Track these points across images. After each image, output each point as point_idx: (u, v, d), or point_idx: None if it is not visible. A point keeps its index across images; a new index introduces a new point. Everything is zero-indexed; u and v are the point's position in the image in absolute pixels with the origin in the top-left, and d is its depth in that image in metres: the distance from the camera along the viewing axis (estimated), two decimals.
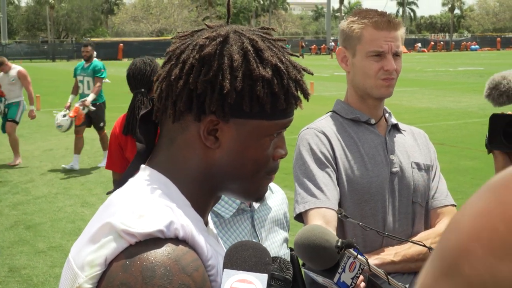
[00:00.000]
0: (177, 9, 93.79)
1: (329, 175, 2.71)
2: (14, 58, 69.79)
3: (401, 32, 2.80)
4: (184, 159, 1.48)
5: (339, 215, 2.06)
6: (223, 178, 1.49)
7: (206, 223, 1.56)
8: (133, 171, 1.53)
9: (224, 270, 1.37)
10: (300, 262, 2.00)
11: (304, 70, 1.53)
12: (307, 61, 64.60)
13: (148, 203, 1.38)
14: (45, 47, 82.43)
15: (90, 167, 12.50)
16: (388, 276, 1.81)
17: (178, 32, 1.56)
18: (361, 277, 1.92)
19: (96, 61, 12.99)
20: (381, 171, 2.77)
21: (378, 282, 1.97)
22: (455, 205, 2.91)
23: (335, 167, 2.75)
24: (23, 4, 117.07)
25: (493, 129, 2.73)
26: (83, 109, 12.20)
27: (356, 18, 2.80)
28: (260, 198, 1.57)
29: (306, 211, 2.65)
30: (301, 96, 1.53)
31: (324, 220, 2.59)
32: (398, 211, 2.78)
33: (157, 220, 1.33)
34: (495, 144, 2.72)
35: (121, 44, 73.79)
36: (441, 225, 2.80)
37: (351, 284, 1.87)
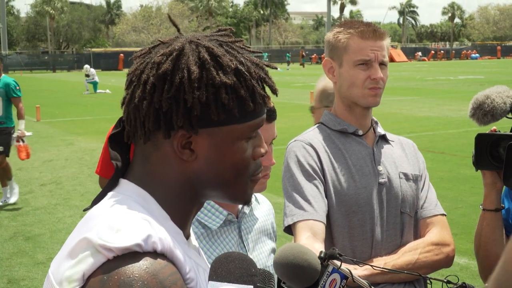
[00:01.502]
0: (177, 19, 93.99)
1: (317, 187, 2.71)
2: (14, 69, 70.16)
3: (387, 42, 2.80)
4: (160, 174, 1.46)
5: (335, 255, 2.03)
6: (205, 187, 1.48)
7: (188, 236, 1.54)
8: (111, 187, 1.51)
9: (209, 282, 1.35)
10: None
11: (268, 66, 1.51)
12: (308, 70, 64.73)
13: (126, 217, 1.36)
14: (46, 57, 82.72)
15: (90, 177, 12.48)
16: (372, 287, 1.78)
17: (135, 52, 1.54)
18: None
19: (5, 77, 10.50)
20: (369, 182, 2.76)
21: None
22: (445, 215, 2.89)
23: (322, 179, 2.74)
24: (23, 14, 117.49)
25: (479, 149, 2.70)
26: (23, 141, 10.61)
27: (342, 28, 2.80)
28: (247, 201, 1.54)
29: (294, 224, 2.65)
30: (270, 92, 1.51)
31: (311, 232, 2.59)
32: (386, 221, 2.77)
33: (135, 234, 1.31)
34: (482, 165, 2.70)
35: (122, 55, 73.97)
36: (430, 235, 2.78)
37: None
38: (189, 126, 1.39)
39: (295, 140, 2.85)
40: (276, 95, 1.53)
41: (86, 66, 39.03)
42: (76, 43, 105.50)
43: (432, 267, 2.71)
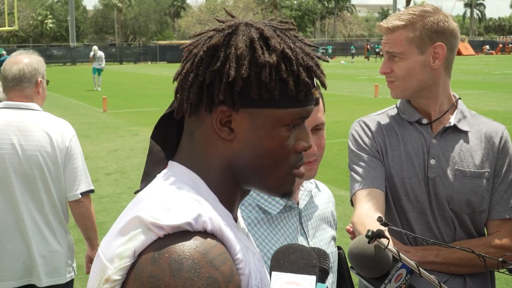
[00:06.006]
0: (242, 12, 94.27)
1: (375, 158, 2.75)
2: (82, 61, 71.28)
3: (401, 34, 2.67)
4: (204, 154, 1.47)
5: (380, 223, 2.02)
6: (244, 171, 1.47)
7: (236, 219, 1.54)
8: (153, 169, 1.53)
9: (272, 272, 1.36)
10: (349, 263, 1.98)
11: (319, 58, 1.49)
12: (372, 63, 64.16)
13: (176, 196, 1.38)
14: (113, 50, 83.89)
15: None
16: (420, 268, 1.77)
17: (195, 32, 1.56)
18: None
19: None
20: (415, 174, 2.73)
21: None
22: None
23: (378, 155, 2.77)
24: (90, 7, 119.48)
25: None
26: None
27: None
28: (286, 193, 1.52)
29: (355, 193, 2.70)
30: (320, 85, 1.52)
31: (372, 202, 2.63)
32: (437, 214, 2.72)
33: (185, 213, 1.33)
34: None
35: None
36: (495, 237, 2.72)
37: None
38: (230, 102, 1.40)
39: (357, 120, 2.90)
40: (325, 89, 1.53)
41: (95, 47, 35.65)
42: (142, 36, 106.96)
43: (488, 269, 2.57)
